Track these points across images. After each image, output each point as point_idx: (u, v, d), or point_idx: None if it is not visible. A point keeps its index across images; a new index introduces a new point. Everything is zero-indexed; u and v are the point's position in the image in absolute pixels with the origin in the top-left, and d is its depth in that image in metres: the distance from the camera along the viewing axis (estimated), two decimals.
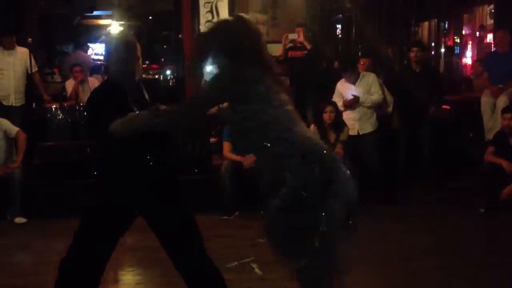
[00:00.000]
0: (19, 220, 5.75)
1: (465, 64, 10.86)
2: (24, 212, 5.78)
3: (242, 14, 2.62)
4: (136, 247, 4.86)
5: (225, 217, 5.77)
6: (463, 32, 11.12)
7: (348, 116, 6.34)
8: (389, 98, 6.71)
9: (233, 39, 2.43)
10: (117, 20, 9.74)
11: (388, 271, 4.17)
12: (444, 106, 7.13)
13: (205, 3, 7.90)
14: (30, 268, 4.37)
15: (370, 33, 8.51)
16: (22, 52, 6.94)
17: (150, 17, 10.72)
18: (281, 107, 2.40)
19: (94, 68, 8.64)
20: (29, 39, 7.27)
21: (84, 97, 7.36)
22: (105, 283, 3.87)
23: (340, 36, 10.52)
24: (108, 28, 9.85)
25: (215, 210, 5.79)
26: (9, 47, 6.88)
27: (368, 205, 5.93)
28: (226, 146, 6.08)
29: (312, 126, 6.28)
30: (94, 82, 7.65)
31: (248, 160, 5.86)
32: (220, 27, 2.55)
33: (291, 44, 7.34)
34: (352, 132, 6.29)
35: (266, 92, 2.39)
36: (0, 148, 5.96)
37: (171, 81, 8.20)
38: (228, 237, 5.10)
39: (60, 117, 6.81)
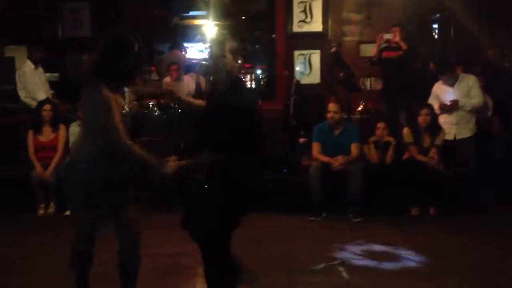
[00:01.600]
0: None
1: None
2: None
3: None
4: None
5: (312, 218, 5.74)
6: None
7: (445, 120, 6.09)
8: (489, 102, 6.38)
9: None
10: (211, 20, 9.97)
11: (481, 283, 3.96)
12: None
13: (299, 2, 7.90)
14: None
15: (469, 34, 8.13)
16: None
17: (243, 17, 10.88)
18: None
19: (189, 67, 8.89)
20: None
21: (179, 95, 7.57)
22: (192, 276, 3.99)
23: (436, 36, 10.14)
24: (203, 28, 10.10)
25: (303, 210, 5.78)
26: None
27: (460, 214, 5.70)
28: (316, 147, 6.04)
29: (406, 129, 6.10)
30: (188, 80, 7.86)
31: (337, 162, 5.80)
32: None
33: (385, 45, 7.16)
34: (449, 136, 6.04)
35: None
36: None
37: (262, 80, 8.27)
38: (315, 239, 5.07)
39: (156, 113, 7.07)
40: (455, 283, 3.94)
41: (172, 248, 4.61)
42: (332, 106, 6.02)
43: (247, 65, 8.67)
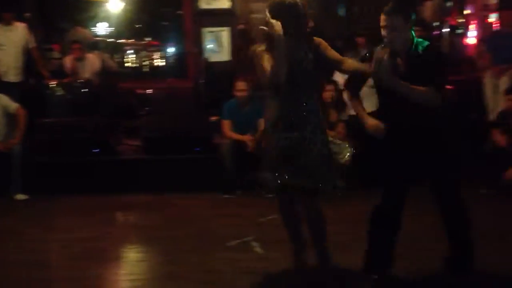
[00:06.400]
0: (20, 196, 5.75)
1: (469, 44, 10.73)
2: (26, 189, 5.78)
3: None
4: (138, 225, 4.89)
5: (227, 196, 5.77)
6: (467, 11, 10.96)
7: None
8: None
9: None
10: None
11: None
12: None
13: None
14: (35, 245, 4.34)
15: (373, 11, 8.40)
16: (20, 28, 6.85)
17: None
18: None
19: (94, 45, 8.54)
20: (27, 14, 7.19)
21: (83, 74, 7.29)
22: (107, 260, 3.90)
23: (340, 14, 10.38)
24: (106, 4, 9.73)
25: (217, 189, 5.79)
26: (9, 22, 6.80)
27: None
28: (226, 124, 6.04)
29: None
30: (93, 58, 7.57)
31: (253, 142, 5.80)
32: None
33: None
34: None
35: None
36: (0, 124, 5.95)
37: (172, 58, 8.14)
38: (229, 216, 5.10)
39: (59, 93, 6.77)
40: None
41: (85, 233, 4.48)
42: (239, 85, 6.05)
43: (155, 43, 8.49)
